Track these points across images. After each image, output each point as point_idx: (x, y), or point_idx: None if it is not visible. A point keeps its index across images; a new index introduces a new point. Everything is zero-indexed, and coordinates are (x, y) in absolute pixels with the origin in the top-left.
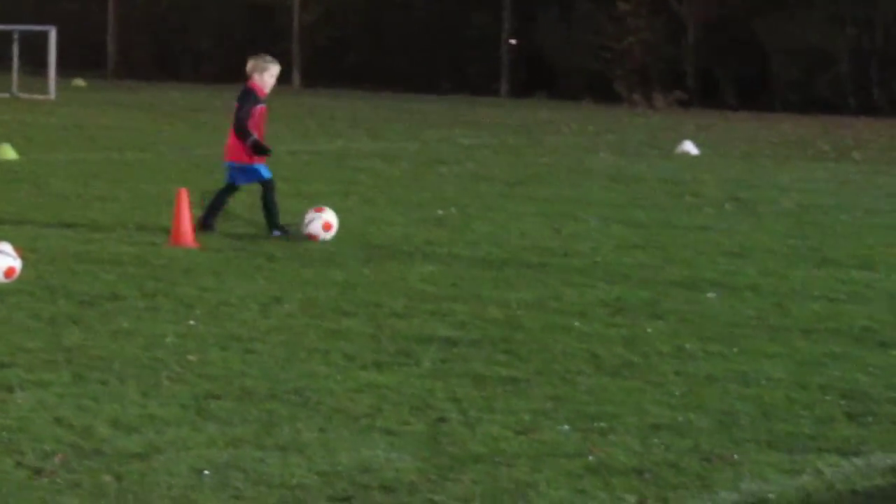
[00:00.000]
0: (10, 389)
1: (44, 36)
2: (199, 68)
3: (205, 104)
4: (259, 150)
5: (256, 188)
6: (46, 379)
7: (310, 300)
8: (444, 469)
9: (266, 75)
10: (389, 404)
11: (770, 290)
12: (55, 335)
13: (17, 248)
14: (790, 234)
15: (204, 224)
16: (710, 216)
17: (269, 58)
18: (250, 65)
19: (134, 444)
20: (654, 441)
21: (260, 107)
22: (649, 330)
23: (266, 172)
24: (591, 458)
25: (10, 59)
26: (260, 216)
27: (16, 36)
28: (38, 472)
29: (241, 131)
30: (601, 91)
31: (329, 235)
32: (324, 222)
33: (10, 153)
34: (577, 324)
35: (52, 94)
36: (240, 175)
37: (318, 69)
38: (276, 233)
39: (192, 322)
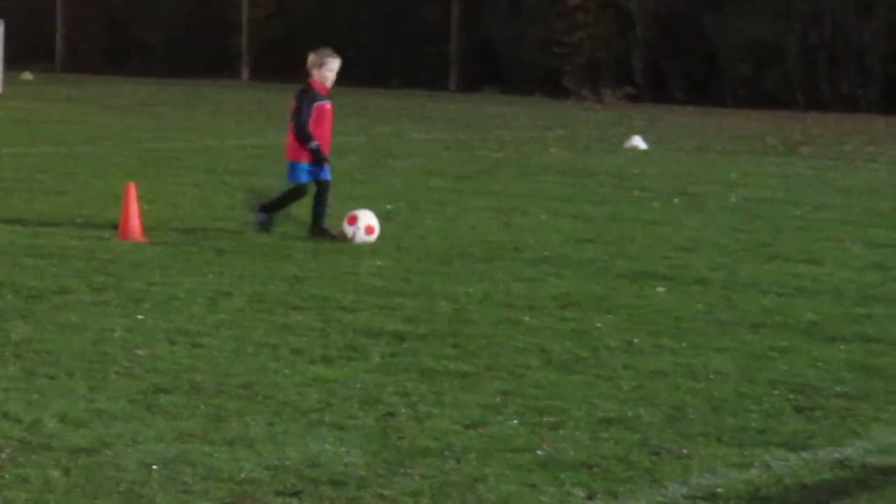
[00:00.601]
0: None
1: None
2: (149, 62)
3: (154, 98)
4: (318, 157)
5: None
6: None
7: (259, 294)
8: (394, 463)
9: (325, 70)
10: (338, 399)
11: (719, 285)
12: (2, 330)
13: None
14: (739, 229)
15: (320, 231)
16: (659, 210)
17: (327, 51)
18: (309, 60)
19: (82, 438)
20: (603, 435)
21: (321, 103)
22: (598, 324)
23: (327, 174)
24: (540, 452)
25: None
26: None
27: None
28: None
29: (303, 135)
30: (551, 85)
31: (374, 237)
32: (365, 226)
33: None
34: (526, 318)
35: (0, 88)
36: (302, 174)
37: (268, 63)
38: (316, 230)
39: (140, 316)
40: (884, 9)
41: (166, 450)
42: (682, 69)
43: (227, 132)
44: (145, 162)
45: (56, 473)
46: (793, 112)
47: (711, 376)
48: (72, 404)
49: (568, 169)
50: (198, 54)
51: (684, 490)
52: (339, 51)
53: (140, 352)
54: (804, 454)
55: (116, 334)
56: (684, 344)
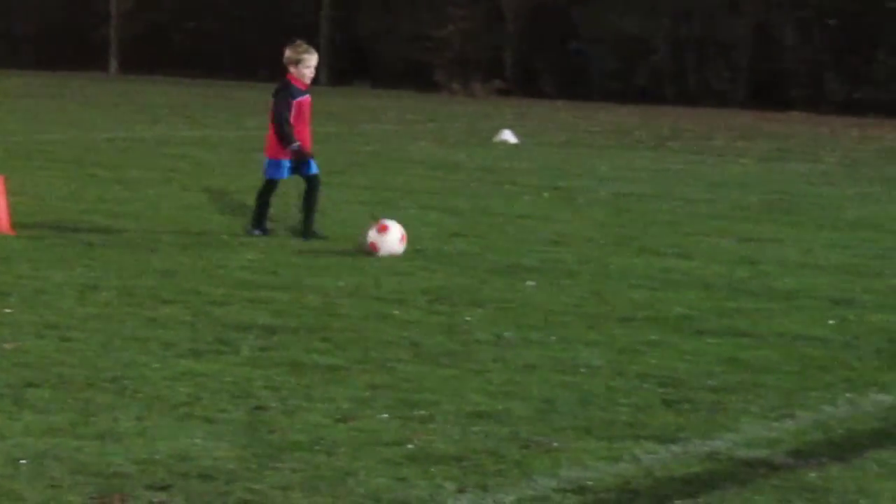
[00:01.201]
0: None
1: None
2: (17, 53)
3: (21, 90)
4: (301, 157)
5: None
6: None
7: (128, 288)
8: (264, 457)
9: (302, 67)
10: (208, 392)
11: (588, 279)
12: None
13: None
14: (608, 223)
15: (308, 235)
16: (529, 204)
17: (302, 46)
18: (285, 56)
19: None
20: (473, 429)
21: (301, 99)
22: (469, 318)
23: (313, 168)
24: (410, 445)
25: None
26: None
27: None
28: None
29: (283, 136)
30: (421, 79)
31: (390, 240)
32: (379, 225)
33: None
34: (396, 312)
35: None
36: (276, 170)
37: (137, 55)
38: (256, 231)
39: (7, 310)
40: (752, 4)
41: (34, 444)
42: (551, 63)
43: (95, 125)
44: (12, 154)
45: None
46: (662, 106)
47: (581, 370)
48: None
49: (438, 163)
50: (66, 46)
51: (554, 483)
52: (207, 43)
53: (7, 345)
54: (673, 447)
55: None
56: (554, 337)
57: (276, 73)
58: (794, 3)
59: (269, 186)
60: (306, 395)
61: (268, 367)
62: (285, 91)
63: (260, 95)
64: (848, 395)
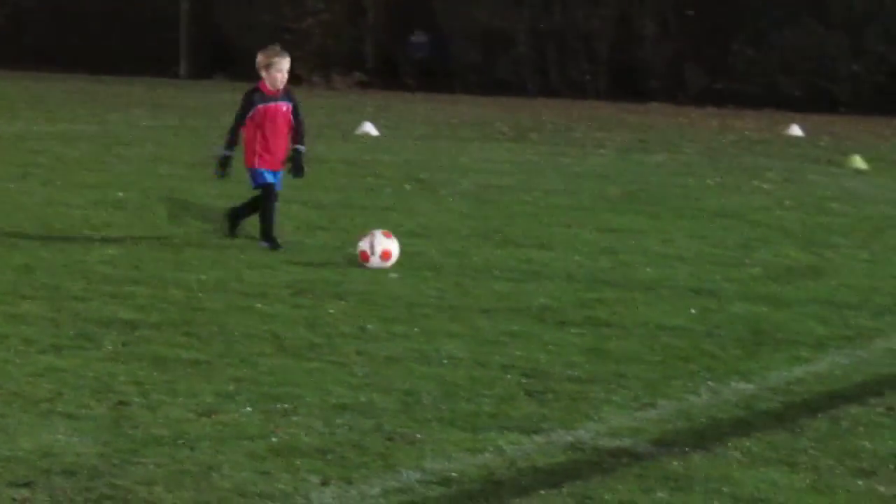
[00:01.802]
0: None
1: None
2: None
3: None
4: (221, 164)
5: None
6: None
7: None
8: (127, 452)
9: (273, 70)
10: (70, 388)
11: (451, 271)
12: None
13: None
14: (470, 215)
15: (231, 229)
16: (391, 197)
17: (273, 50)
18: (257, 61)
19: None
20: (337, 421)
21: (266, 105)
22: (331, 311)
23: (270, 177)
24: (274, 439)
25: None
26: None
27: None
28: None
29: (229, 138)
30: None
31: (383, 262)
32: (384, 250)
33: None
34: (259, 305)
35: None
36: (261, 175)
37: None
38: (265, 244)
39: None
40: None
41: None
42: (412, 56)
43: None
44: None
45: None
46: (523, 98)
47: (444, 361)
48: None
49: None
50: None
51: (418, 475)
52: (66, 37)
53: None
54: (537, 437)
55: None
56: (417, 329)
57: (138, 67)
58: None
59: (266, 193)
60: (169, 390)
61: (130, 362)
62: (248, 95)
63: (121, 90)
64: (710, 383)
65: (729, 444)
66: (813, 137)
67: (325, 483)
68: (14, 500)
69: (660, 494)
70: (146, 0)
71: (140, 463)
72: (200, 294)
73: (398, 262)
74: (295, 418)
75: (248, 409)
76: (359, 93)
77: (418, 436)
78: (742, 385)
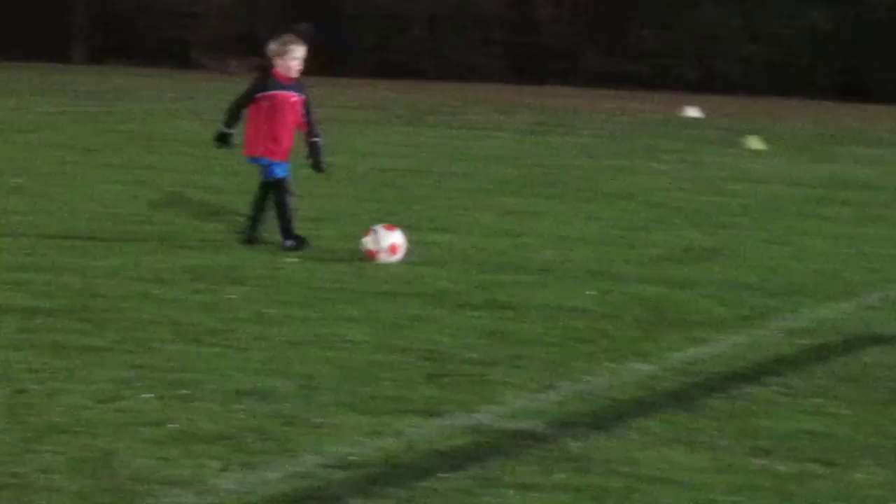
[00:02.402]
0: None
1: None
2: None
3: None
4: (220, 139)
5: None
6: None
7: None
8: (26, 440)
9: (288, 59)
10: None
11: (349, 255)
12: None
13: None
14: (368, 199)
15: (293, 241)
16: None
17: (289, 37)
18: (269, 49)
19: None
20: (236, 407)
21: (275, 92)
22: (230, 296)
23: (280, 171)
24: (173, 425)
25: None
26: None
27: None
28: None
29: (228, 116)
30: (178, 57)
31: (391, 256)
32: (390, 244)
33: None
34: (156, 291)
35: None
36: (271, 168)
37: None
38: (288, 243)
39: None
40: None
41: None
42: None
43: None
44: None
45: None
46: (419, 81)
47: (344, 345)
48: None
49: (197, 141)
50: None
51: (319, 459)
52: None
53: None
54: (437, 421)
55: None
56: (316, 314)
57: (31, 51)
58: None
59: (280, 188)
60: (67, 377)
61: (27, 350)
62: (261, 77)
63: (13, 75)
64: (609, 364)
65: (628, 424)
66: (709, 118)
67: (225, 468)
68: None
69: (560, 476)
70: None
71: (39, 451)
72: (98, 280)
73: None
74: (195, 404)
75: (148, 395)
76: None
77: (318, 420)
78: (641, 366)
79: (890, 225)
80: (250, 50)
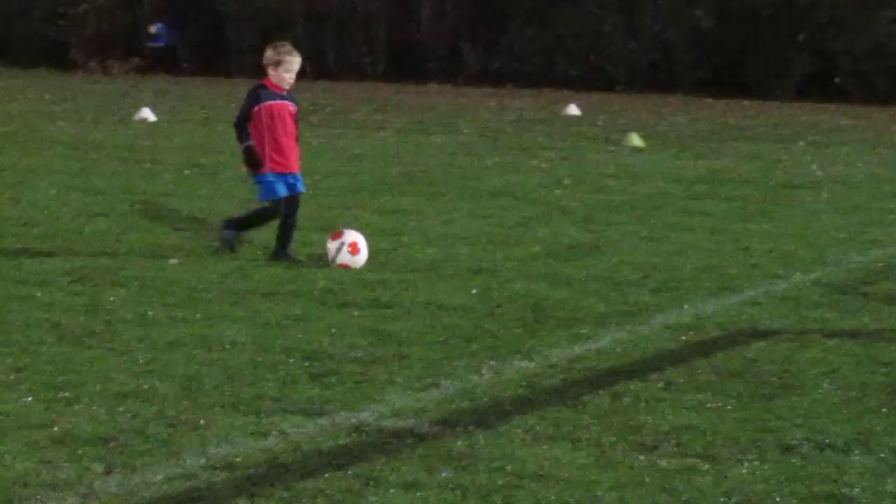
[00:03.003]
0: None
1: None
2: None
3: None
4: (250, 160)
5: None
6: None
7: None
8: None
9: (282, 70)
10: None
11: (231, 255)
12: None
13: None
14: (250, 199)
15: (285, 257)
16: (171, 182)
17: (285, 47)
18: (265, 57)
19: None
20: (119, 409)
21: (272, 103)
22: (112, 298)
23: (282, 190)
24: (56, 428)
25: None
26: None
27: None
28: None
29: (237, 133)
30: (57, 58)
31: (361, 259)
32: (350, 244)
33: None
34: (38, 293)
35: None
36: (269, 189)
37: None
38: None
39: None
40: None
41: None
42: (189, 40)
43: None
44: None
45: None
46: (302, 82)
47: (227, 346)
48: None
49: (77, 142)
50: None
51: (202, 461)
52: None
53: None
54: (320, 420)
55: None
56: (199, 315)
57: None
58: None
59: (273, 209)
60: None
61: None
62: (252, 93)
63: None
64: (492, 362)
65: (512, 422)
66: (590, 116)
67: (108, 471)
68: None
69: (444, 474)
70: None
71: None
72: None
73: (176, 248)
74: (77, 407)
75: (29, 398)
76: (137, 78)
77: (201, 421)
78: (524, 363)
79: (770, 220)
80: (132, 49)
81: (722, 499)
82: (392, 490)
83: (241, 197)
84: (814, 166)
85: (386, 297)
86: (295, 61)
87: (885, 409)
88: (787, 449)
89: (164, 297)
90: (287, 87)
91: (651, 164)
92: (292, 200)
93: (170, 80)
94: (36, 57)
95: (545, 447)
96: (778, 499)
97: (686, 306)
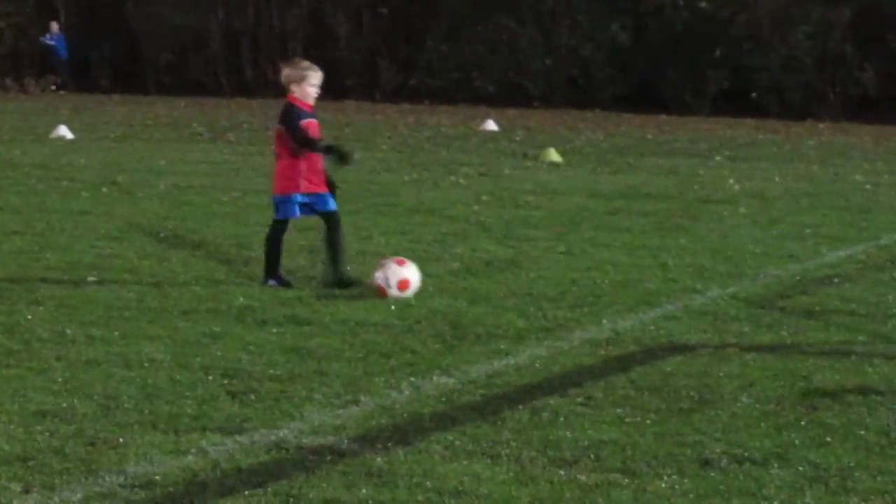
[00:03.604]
0: None
1: None
2: None
3: None
4: (339, 151)
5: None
6: None
7: None
8: None
9: (306, 85)
10: None
11: (149, 273)
12: None
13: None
14: (168, 217)
15: (345, 283)
16: (88, 200)
17: (304, 64)
18: (284, 75)
19: None
20: (37, 428)
21: (307, 121)
22: (29, 316)
23: (331, 204)
24: None
25: None
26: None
27: None
28: None
29: (307, 144)
30: None
31: (401, 293)
32: (400, 280)
33: None
34: None
35: None
36: (287, 208)
37: None
38: (272, 282)
39: None
40: None
41: None
42: (105, 57)
43: None
44: None
45: None
46: (218, 98)
47: (145, 364)
48: None
49: None
50: None
51: (121, 479)
52: None
53: None
54: (240, 438)
55: None
56: (117, 333)
57: None
58: None
59: (279, 227)
60: None
61: None
62: (291, 113)
63: None
64: (411, 379)
65: (431, 438)
66: (508, 132)
67: (26, 490)
68: None
69: (364, 491)
70: None
71: None
72: None
73: (93, 266)
74: None
75: None
76: (53, 96)
77: (120, 440)
78: (443, 379)
79: (687, 234)
80: (48, 67)
81: None
82: None
83: (157, 213)
84: (731, 181)
85: (304, 314)
86: (317, 75)
87: (802, 422)
88: (706, 463)
89: (82, 316)
90: (312, 103)
91: (569, 180)
92: (331, 217)
93: (87, 98)
94: None
95: (465, 463)
96: None
97: (604, 321)
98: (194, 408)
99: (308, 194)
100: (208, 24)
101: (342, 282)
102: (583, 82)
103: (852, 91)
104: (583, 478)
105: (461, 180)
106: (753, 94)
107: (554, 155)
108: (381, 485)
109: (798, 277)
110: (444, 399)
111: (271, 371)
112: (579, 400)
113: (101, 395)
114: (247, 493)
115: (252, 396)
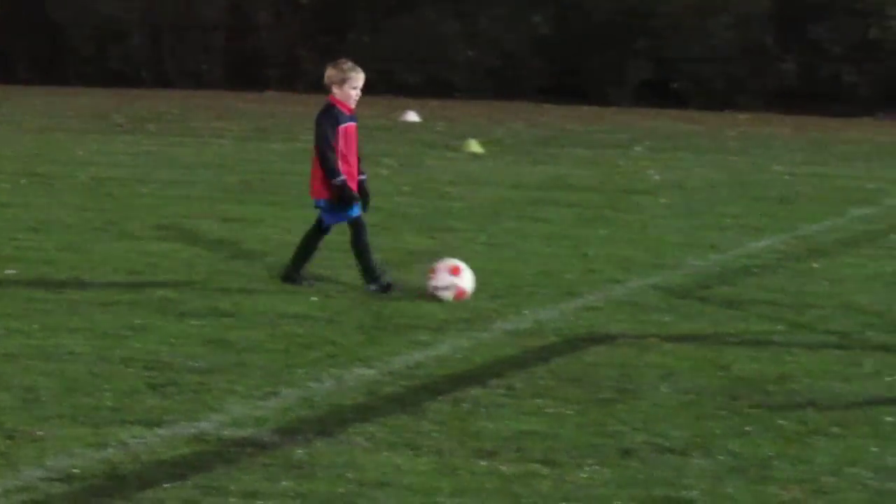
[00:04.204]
0: None
1: None
2: None
3: None
4: (343, 196)
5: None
6: None
7: None
8: None
9: (347, 87)
10: None
11: (69, 265)
12: None
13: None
14: (88, 208)
15: (287, 277)
16: (7, 192)
17: (347, 65)
18: (327, 75)
19: None
20: None
21: (347, 125)
22: None
23: (355, 210)
24: None
25: None
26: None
27: None
28: None
29: (328, 168)
30: None
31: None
32: (457, 291)
33: None
34: None
35: None
36: (328, 214)
37: None
38: (373, 287)
39: None
40: None
41: None
42: (26, 49)
43: None
44: None
45: None
46: (138, 89)
47: (64, 357)
48: None
49: None
50: None
51: (40, 473)
52: None
53: None
54: (160, 430)
55: None
56: (36, 326)
57: None
58: None
59: (359, 230)
60: None
61: None
62: (328, 115)
63: None
64: (332, 370)
65: (352, 429)
66: (429, 123)
67: None
68: None
69: (285, 483)
70: None
71: None
72: None
73: (12, 259)
74: None
75: None
76: None
77: (39, 433)
78: (364, 370)
79: (609, 225)
80: None
81: (562, 503)
82: (232, 499)
83: (76, 205)
84: (651, 171)
85: (225, 305)
86: (359, 77)
87: (723, 412)
88: (627, 453)
89: (0, 308)
90: (354, 105)
91: (490, 171)
92: (354, 223)
93: (6, 89)
94: None
95: (386, 454)
96: (617, 503)
97: (525, 312)
98: (114, 400)
99: (329, 201)
100: (129, 15)
101: (375, 279)
102: (504, 73)
103: (772, 82)
104: (504, 468)
105: (383, 171)
106: (674, 85)
107: (475, 146)
108: (302, 477)
109: (718, 268)
110: (365, 391)
111: (192, 363)
112: (501, 391)
113: (20, 387)
114: (167, 485)
115: (173, 389)
